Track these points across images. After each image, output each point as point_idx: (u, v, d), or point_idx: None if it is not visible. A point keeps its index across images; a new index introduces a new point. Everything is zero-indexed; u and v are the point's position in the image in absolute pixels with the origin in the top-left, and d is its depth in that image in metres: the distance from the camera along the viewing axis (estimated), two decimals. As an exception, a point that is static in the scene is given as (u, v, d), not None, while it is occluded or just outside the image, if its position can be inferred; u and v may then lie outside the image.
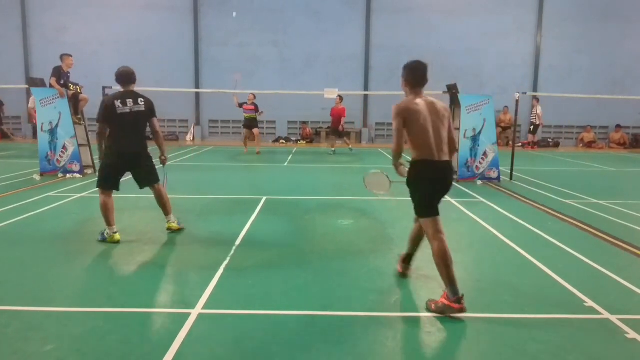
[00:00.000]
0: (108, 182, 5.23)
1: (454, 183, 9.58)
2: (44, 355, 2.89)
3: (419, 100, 3.71)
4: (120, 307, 3.61)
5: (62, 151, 9.71)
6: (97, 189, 5.27)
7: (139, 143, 5.34)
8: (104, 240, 5.17)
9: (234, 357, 2.92)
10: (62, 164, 9.72)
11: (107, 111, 5.12)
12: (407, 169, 3.77)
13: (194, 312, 3.48)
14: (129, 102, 5.19)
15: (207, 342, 3.08)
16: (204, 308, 3.57)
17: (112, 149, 5.21)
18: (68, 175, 9.62)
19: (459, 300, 3.46)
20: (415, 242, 4.18)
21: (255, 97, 15.02)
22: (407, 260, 4.32)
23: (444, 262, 3.59)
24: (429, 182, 3.71)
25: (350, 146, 16.05)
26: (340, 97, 14.95)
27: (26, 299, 3.73)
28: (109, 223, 5.17)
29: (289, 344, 3.08)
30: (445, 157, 3.70)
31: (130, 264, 4.62)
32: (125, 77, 5.26)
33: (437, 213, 3.75)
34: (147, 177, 5.50)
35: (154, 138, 5.54)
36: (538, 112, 18.67)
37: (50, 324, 3.31)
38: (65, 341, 3.06)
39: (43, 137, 9.74)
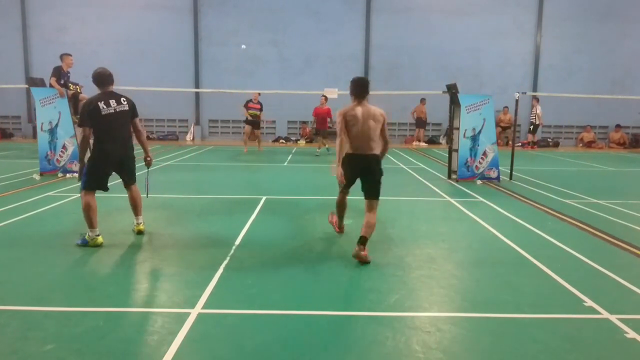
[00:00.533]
0: (95, 183, 5.14)
1: (453, 183, 9.59)
2: (43, 355, 2.89)
3: (358, 108, 4.81)
4: (120, 306, 3.61)
5: (62, 151, 9.71)
6: (82, 191, 5.11)
7: (125, 144, 5.26)
8: (84, 244, 5.00)
9: (233, 357, 2.92)
10: (62, 163, 9.72)
11: (92, 114, 5.02)
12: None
13: (194, 312, 3.48)
14: (112, 102, 5.12)
15: (206, 342, 3.08)
16: (203, 308, 3.57)
17: (99, 151, 5.11)
18: (68, 175, 9.61)
19: (340, 228, 5.57)
20: (366, 226, 4.92)
21: (259, 95, 15.16)
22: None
23: (340, 206, 5.37)
24: (351, 169, 4.87)
25: (327, 146, 15.19)
26: (325, 98, 14.65)
27: (26, 299, 3.73)
28: (92, 225, 5.02)
29: (289, 343, 3.08)
30: (373, 152, 4.85)
31: (129, 264, 4.62)
32: (104, 78, 5.18)
33: (349, 187, 5.14)
34: (130, 178, 5.47)
35: (137, 137, 5.45)
36: (538, 112, 18.68)
37: (49, 323, 3.30)
38: (65, 341, 3.06)
39: (43, 137, 9.73)
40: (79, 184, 5.28)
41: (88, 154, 5.29)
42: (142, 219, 5.57)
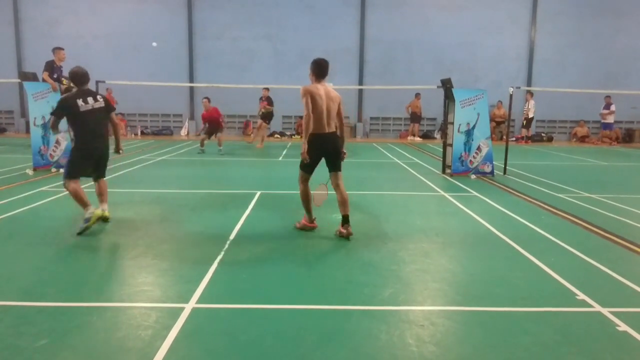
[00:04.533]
0: (77, 173, 5.49)
1: (448, 177, 9.59)
2: (36, 350, 2.89)
3: (319, 86, 5.11)
4: (113, 301, 3.61)
5: (55, 145, 9.65)
6: (65, 180, 5.42)
7: (103, 140, 5.62)
8: (87, 222, 5.23)
9: (228, 351, 2.93)
10: (55, 158, 9.66)
11: (70, 110, 5.40)
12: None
13: (188, 307, 3.48)
14: (90, 99, 5.47)
15: (201, 337, 3.08)
16: (198, 302, 3.57)
17: (83, 145, 5.46)
18: (61, 170, 9.56)
19: (312, 221, 5.47)
20: (341, 204, 5.34)
21: (269, 91, 15.07)
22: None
23: (305, 199, 5.37)
24: (317, 149, 5.11)
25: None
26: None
27: (19, 294, 3.72)
28: (85, 205, 5.33)
29: (283, 337, 3.09)
30: (332, 130, 5.16)
31: (123, 259, 4.61)
32: (82, 77, 5.53)
33: (311, 172, 5.32)
34: (102, 172, 5.81)
35: (114, 130, 5.89)
36: (529, 106, 18.70)
37: (43, 318, 3.29)
38: (58, 336, 3.05)
39: (36, 132, 9.67)
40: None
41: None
42: (106, 206, 5.79)
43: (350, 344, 3.02)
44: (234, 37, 19.99)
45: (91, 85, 5.68)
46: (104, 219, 5.66)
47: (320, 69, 5.16)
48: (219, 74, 19.64)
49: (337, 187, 5.28)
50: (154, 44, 17.70)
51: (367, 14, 19.98)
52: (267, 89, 15.07)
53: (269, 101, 14.97)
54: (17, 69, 18.85)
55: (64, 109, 5.45)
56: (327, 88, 5.18)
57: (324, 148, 5.16)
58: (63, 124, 9.55)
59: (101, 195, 5.76)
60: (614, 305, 3.61)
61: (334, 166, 5.29)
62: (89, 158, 5.54)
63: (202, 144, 13.89)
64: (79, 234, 5.21)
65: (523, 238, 5.36)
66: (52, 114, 5.68)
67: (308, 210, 5.47)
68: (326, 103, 5.06)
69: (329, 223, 5.88)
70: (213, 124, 13.87)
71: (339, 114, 5.23)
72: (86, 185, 5.89)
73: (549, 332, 3.20)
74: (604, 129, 19.14)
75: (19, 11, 19.57)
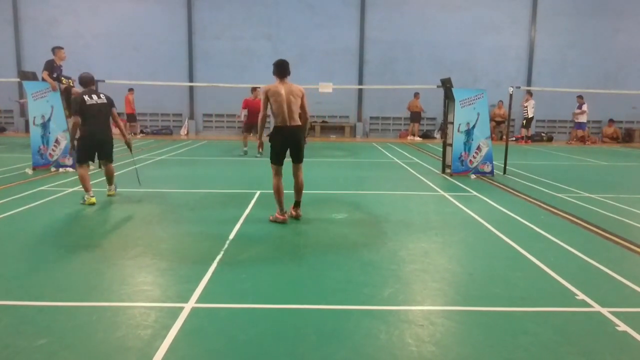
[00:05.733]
0: (85, 157, 6.75)
1: (447, 177, 9.60)
2: (35, 349, 2.88)
3: (280, 85, 5.63)
4: (112, 301, 3.60)
5: (54, 145, 9.65)
6: (77, 165, 6.87)
7: (104, 130, 6.83)
8: (82, 202, 6.60)
9: (227, 351, 2.93)
10: (55, 157, 9.66)
11: (81, 105, 6.53)
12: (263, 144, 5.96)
13: (187, 306, 3.48)
14: (94, 96, 6.72)
15: (200, 336, 3.08)
16: (197, 302, 3.57)
17: (85, 132, 6.62)
18: (61, 169, 9.56)
19: (283, 215, 5.76)
20: (296, 191, 5.96)
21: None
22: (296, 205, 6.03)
23: (277, 192, 5.76)
24: (280, 141, 5.68)
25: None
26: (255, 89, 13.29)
27: (18, 294, 3.72)
28: (87, 189, 6.60)
29: (283, 337, 3.08)
30: (295, 123, 5.63)
31: (123, 258, 4.61)
32: (88, 80, 6.88)
33: (280, 163, 5.77)
34: (107, 158, 7.00)
35: (116, 124, 7.03)
36: (528, 105, 18.68)
37: (42, 318, 3.29)
38: (57, 335, 3.05)
39: (35, 131, 9.66)
40: (74, 170, 7.18)
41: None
42: (114, 187, 7.20)
43: (349, 344, 3.02)
44: (233, 36, 19.97)
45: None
46: (109, 196, 7.08)
47: (278, 69, 5.69)
48: (218, 73, 19.62)
49: (296, 176, 5.87)
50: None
51: (367, 13, 19.96)
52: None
53: None
54: (16, 68, 18.83)
55: (76, 105, 6.55)
56: (289, 85, 5.68)
57: (286, 140, 5.70)
58: (62, 124, 9.63)
59: (108, 179, 7.11)
60: (613, 305, 3.61)
61: (296, 157, 5.84)
62: (92, 145, 6.74)
63: (245, 144, 13.35)
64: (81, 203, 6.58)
65: (523, 238, 5.36)
66: (72, 115, 6.71)
67: (279, 201, 5.79)
68: (287, 99, 5.56)
69: (328, 223, 5.89)
70: (253, 118, 12.48)
71: (302, 107, 5.71)
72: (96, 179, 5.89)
73: (548, 332, 3.20)
74: (577, 129, 19.27)
75: (18, 10, 19.55)
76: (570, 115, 20.00)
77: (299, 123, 5.70)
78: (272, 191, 5.84)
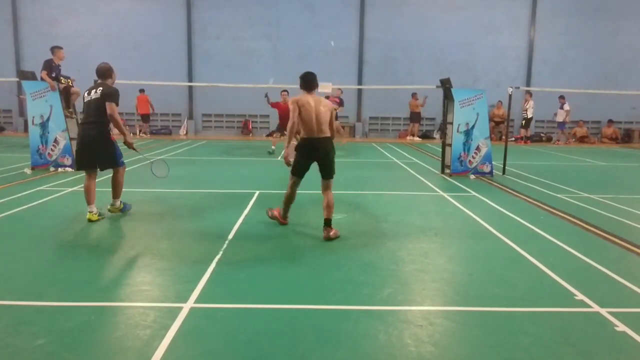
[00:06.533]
0: (80, 165, 5.98)
1: (447, 177, 9.60)
2: (34, 349, 2.88)
3: (308, 97, 5.40)
4: (111, 301, 3.60)
5: (53, 145, 9.64)
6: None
7: (92, 127, 5.73)
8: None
9: (226, 351, 2.92)
10: (54, 157, 9.65)
11: (83, 101, 5.89)
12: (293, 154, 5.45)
13: (186, 306, 3.47)
14: (93, 91, 5.77)
15: (199, 336, 3.08)
16: (196, 302, 3.57)
17: (78, 133, 6.00)
18: (60, 169, 9.55)
19: (284, 219, 5.70)
20: (326, 207, 5.44)
21: (342, 92, 14.73)
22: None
23: (288, 200, 5.61)
24: (306, 152, 5.39)
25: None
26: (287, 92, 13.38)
27: (17, 294, 3.71)
28: (87, 203, 5.76)
29: (281, 337, 3.08)
30: (324, 135, 5.35)
31: (121, 258, 4.61)
32: (98, 71, 5.90)
33: (301, 176, 5.51)
34: (104, 161, 5.92)
35: (112, 121, 5.77)
36: (528, 105, 18.72)
37: (41, 318, 3.29)
38: (56, 335, 3.04)
39: (34, 131, 9.65)
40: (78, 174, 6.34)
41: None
42: (117, 202, 6.12)
43: (348, 344, 3.01)
44: (233, 36, 19.97)
45: (89, 85, 5.96)
46: (112, 212, 6.08)
47: (305, 82, 5.50)
48: (218, 73, 19.62)
49: (325, 194, 5.42)
50: (332, 42, 17.92)
51: (367, 13, 19.97)
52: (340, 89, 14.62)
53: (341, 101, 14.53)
54: (15, 68, 18.82)
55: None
56: (318, 98, 5.46)
57: (313, 151, 5.36)
58: (61, 123, 9.62)
59: (113, 190, 6.05)
60: (612, 306, 3.61)
61: (325, 172, 5.42)
62: (82, 146, 5.80)
63: (274, 143, 13.58)
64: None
65: (522, 238, 5.36)
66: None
67: (286, 208, 5.69)
68: (315, 110, 5.30)
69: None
70: (284, 120, 12.58)
71: (330, 122, 5.43)
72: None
73: (547, 332, 3.20)
74: (559, 128, 19.34)
75: (17, 10, 19.53)
76: (569, 116, 20.05)
77: (328, 134, 5.40)
78: (283, 196, 5.63)
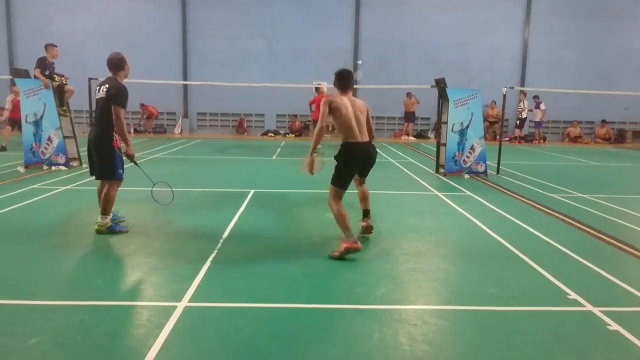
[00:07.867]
0: (90, 170, 5.47)
1: (441, 177, 9.59)
2: (27, 348, 2.87)
3: (344, 97, 4.83)
4: (106, 300, 3.58)
5: (47, 143, 9.59)
6: None
7: (93, 130, 5.25)
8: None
9: (220, 350, 2.92)
10: (47, 156, 9.60)
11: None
12: (319, 163, 4.83)
13: (181, 305, 3.47)
14: (101, 87, 5.19)
15: (193, 335, 3.07)
16: (190, 301, 3.56)
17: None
18: (53, 168, 9.51)
19: (355, 242, 4.56)
20: (362, 199, 5.38)
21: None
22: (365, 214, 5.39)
23: (341, 217, 4.65)
24: (350, 158, 4.76)
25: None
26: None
27: (10, 292, 3.69)
28: (104, 212, 5.24)
29: (276, 336, 3.08)
30: (366, 139, 4.83)
31: (116, 257, 4.59)
32: (108, 63, 5.27)
33: (346, 187, 4.78)
34: (99, 170, 5.26)
35: (115, 126, 5.08)
36: (524, 105, 18.82)
37: (34, 317, 3.27)
38: (50, 335, 3.03)
39: (27, 129, 9.60)
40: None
41: None
42: (102, 220, 5.21)
43: (343, 343, 3.02)
44: (228, 35, 19.92)
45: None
46: (97, 231, 5.23)
47: (341, 81, 4.89)
48: (213, 72, 19.57)
49: (359, 187, 5.39)
50: (359, 62, 18.24)
51: (362, 13, 19.98)
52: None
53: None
54: (8, 66, 18.68)
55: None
56: (352, 98, 4.92)
57: (358, 157, 4.83)
58: (55, 121, 9.57)
59: (101, 203, 5.22)
60: (605, 305, 3.63)
61: (363, 174, 5.23)
62: (88, 150, 5.31)
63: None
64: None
65: (516, 238, 5.38)
66: None
67: (345, 228, 4.60)
68: (353, 112, 4.75)
69: (322, 222, 5.88)
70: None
71: (367, 123, 4.95)
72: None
73: (541, 332, 3.22)
74: (537, 128, 19.61)
75: (11, 7, 19.40)
76: (563, 116, 20.16)
77: (368, 139, 4.89)
78: (333, 216, 4.74)
